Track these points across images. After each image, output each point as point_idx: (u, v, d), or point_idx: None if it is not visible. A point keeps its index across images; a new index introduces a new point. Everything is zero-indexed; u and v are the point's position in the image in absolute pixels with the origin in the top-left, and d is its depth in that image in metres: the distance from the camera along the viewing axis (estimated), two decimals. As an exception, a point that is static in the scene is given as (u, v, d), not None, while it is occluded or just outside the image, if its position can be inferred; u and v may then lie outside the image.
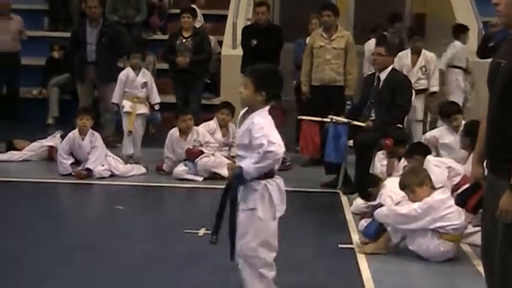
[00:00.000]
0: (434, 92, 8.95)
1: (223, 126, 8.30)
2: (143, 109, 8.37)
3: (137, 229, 6.19)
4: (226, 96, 8.83)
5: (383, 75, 7.32)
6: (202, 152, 7.85)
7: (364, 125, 7.22)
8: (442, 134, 7.41)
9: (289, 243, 5.55)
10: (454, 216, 5.31)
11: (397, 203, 5.61)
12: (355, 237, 5.86)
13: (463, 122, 7.15)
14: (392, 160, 6.86)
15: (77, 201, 7.41)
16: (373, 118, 7.29)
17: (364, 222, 5.89)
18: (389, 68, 7.36)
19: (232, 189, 3.93)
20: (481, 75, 7.74)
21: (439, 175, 6.03)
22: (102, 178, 7.76)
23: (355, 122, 7.25)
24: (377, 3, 12.40)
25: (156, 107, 8.46)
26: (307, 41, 8.90)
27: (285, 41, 9.35)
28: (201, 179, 7.75)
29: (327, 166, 7.54)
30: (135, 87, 8.35)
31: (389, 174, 6.62)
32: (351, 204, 6.72)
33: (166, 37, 10.19)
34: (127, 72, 8.38)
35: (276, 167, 3.94)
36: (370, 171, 6.90)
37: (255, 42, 9.09)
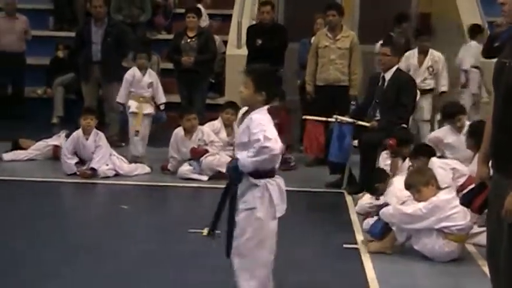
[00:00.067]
0: (444, 92, 8.89)
1: (228, 125, 8.30)
2: (149, 109, 8.38)
3: (141, 229, 6.20)
4: (231, 96, 8.82)
5: (388, 75, 7.31)
6: (207, 151, 7.86)
7: (369, 125, 7.22)
8: (445, 134, 7.40)
9: (294, 243, 5.56)
10: (460, 216, 5.30)
11: (403, 203, 5.60)
12: (360, 237, 5.86)
13: (467, 122, 7.13)
14: (396, 160, 6.86)
15: (82, 201, 7.41)
16: (377, 118, 7.29)
17: (370, 221, 5.88)
18: (394, 68, 7.35)
19: (230, 183, 3.93)
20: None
21: (444, 177, 6.01)
22: (107, 177, 7.77)
23: (360, 122, 7.24)
24: (382, 3, 12.38)
25: (162, 107, 8.47)
26: (312, 41, 8.90)
27: (289, 41, 9.36)
28: (206, 178, 7.75)
29: (332, 166, 7.54)
30: (142, 87, 8.36)
31: (393, 174, 6.62)
32: (355, 204, 6.71)
33: (171, 37, 10.20)
34: (133, 72, 8.38)
35: (276, 165, 3.91)
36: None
37: (259, 41, 9.10)
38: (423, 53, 8.86)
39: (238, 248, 3.90)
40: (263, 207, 3.87)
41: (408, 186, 5.52)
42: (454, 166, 6.35)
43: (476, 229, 5.53)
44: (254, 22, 9.93)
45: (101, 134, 8.00)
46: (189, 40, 9.23)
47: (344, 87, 8.45)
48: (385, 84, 7.31)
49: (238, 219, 3.89)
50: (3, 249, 5.35)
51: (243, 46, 9.64)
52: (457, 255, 5.40)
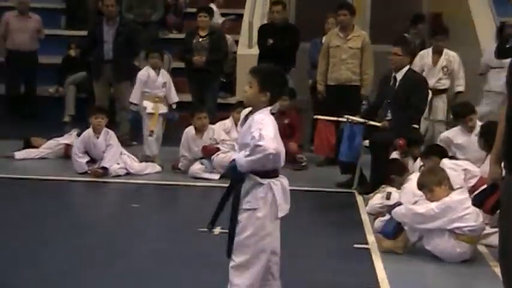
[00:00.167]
0: (460, 92, 8.80)
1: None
2: (164, 109, 8.40)
3: (152, 227, 6.21)
4: (242, 96, 8.81)
5: (399, 75, 7.29)
6: (218, 149, 7.87)
7: (380, 125, 7.20)
8: (455, 134, 7.37)
9: (304, 242, 5.56)
10: (472, 217, 5.28)
11: (415, 203, 5.59)
12: (371, 237, 5.85)
13: (479, 123, 7.10)
14: (405, 160, 6.85)
15: (93, 199, 7.44)
16: (389, 118, 7.27)
17: (381, 218, 5.88)
18: (406, 68, 7.33)
19: (232, 183, 3.92)
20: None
21: (455, 178, 5.98)
22: (118, 176, 7.79)
23: (371, 122, 7.23)
24: (394, 2, 12.35)
25: (173, 106, 8.49)
26: (323, 41, 8.90)
27: (301, 41, 9.35)
28: (217, 177, 7.75)
29: (342, 166, 7.53)
30: (157, 87, 8.37)
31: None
32: (366, 204, 6.70)
33: (182, 36, 10.21)
34: (147, 73, 8.38)
35: (278, 165, 3.86)
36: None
37: (271, 41, 9.10)
38: (438, 52, 8.74)
39: (237, 244, 3.90)
40: (265, 207, 3.85)
41: (421, 186, 5.50)
42: (465, 167, 6.33)
43: (488, 230, 5.51)
44: (265, 21, 9.93)
45: (112, 133, 8.02)
46: (200, 39, 9.23)
47: (355, 87, 8.44)
48: (397, 84, 7.29)
49: (240, 217, 3.88)
50: (15, 247, 5.37)
51: (254, 46, 9.65)
52: (469, 256, 5.37)
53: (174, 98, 8.49)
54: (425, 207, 5.37)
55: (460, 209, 5.28)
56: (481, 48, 9.55)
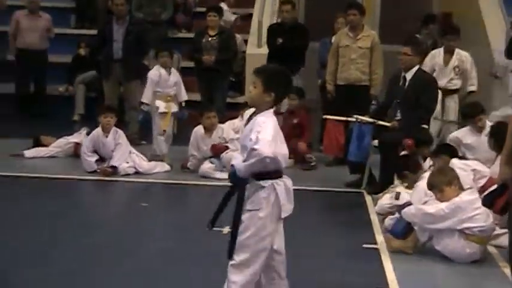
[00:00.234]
0: (472, 92, 8.70)
1: (248, 124, 8.29)
2: (175, 107, 8.41)
3: (160, 226, 6.22)
4: (246, 96, 8.82)
5: (409, 75, 7.26)
6: (227, 148, 7.87)
7: (390, 124, 7.18)
8: (464, 134, 7.35)
9: (313, 242, 5.55)
10: (482, 217, 5.26)
11: (424, 203, 5.58)
12: (380, 237, 5.83)
13: (489, 123, 7.08)
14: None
15: (102, 198, 7.46)
16: (398, 118, 7.25)
17: (391, 216, 5.86)
18: (416, 68, 7.31)
19: (233, 187, 3.91)
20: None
21: (465, 178, 5.97)
22: (127, 175, 7.80)
23: (381, 122, 7.22)
24: (403, 2, 12.32)
25: (183, 104, 8.50)
26: (332, 40, 8.88)
27: (310, 40, 9.33)
28: (227, 176, 7.73)
29: (351, 166, 7.52)
30: (168, 86, 8.38)
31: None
32: (375, 204, 6.68)
33: (191, 35, 10.22)
34: (158, 72, 8.37)
35: (279, 167, 3.84)
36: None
37: (280, 40, 9.10)
38: (449, 52, 8.64)
39: (238, 244, 3.89)
40: (267, 207, 3.84)
41: (431, 186, 5.49)
42: (474, 167, 6.31)
43: (498, 230, 5.49)
44: (275, 21, 9.93)
45: (121, 132, 8.04)
46: (210, 39, 9.24)
47: (365, 87, 8.43)
48: (406, 84, 7.27)
49: (243, 217, 3.88)
50: (22, 246, 5.38)
51: (263, 45, 9.64)
52: (479, 256, 5.36)
53: (184, 96, 8.50)
54: (435, 207, 5.35)
55: (470, 209, 5.26)
56: (491, 48, 9.52)
